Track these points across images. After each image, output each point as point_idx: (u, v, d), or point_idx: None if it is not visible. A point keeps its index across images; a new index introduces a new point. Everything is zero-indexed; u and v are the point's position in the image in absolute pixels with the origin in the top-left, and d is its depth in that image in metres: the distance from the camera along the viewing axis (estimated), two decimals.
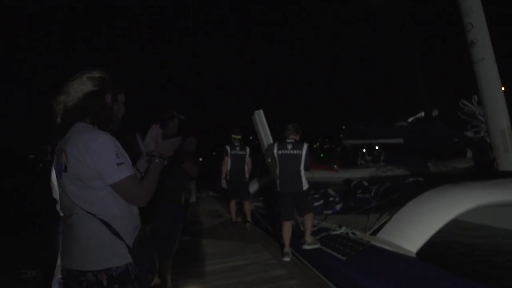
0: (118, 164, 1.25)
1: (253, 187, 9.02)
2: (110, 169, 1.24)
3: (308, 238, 4.06)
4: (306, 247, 3.99)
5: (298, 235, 4.52)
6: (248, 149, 5.73)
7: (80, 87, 1.34)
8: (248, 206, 5.79)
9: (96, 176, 1.24)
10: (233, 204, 5.94)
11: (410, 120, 11.53)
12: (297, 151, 4.04)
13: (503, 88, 7.11)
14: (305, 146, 4.09)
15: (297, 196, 4.06)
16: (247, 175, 5.76)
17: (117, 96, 1.42)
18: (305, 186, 4.06)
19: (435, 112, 10.93)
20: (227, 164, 5.61)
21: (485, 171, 7.58)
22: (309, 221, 4.10)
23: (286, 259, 3.82)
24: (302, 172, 4.04)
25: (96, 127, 1.33)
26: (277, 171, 4.17)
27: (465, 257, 4.69)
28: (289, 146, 4.08)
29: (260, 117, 4.73)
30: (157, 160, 1.46)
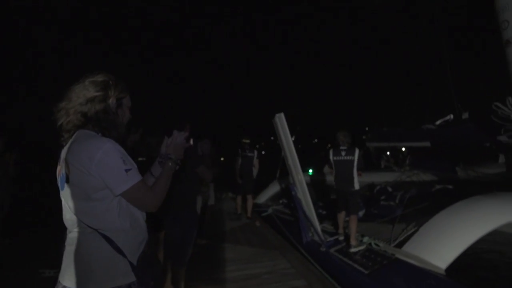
0: (126, 170, 1.18)
1: (273, 189, 8.91)
2: (118, 177, 1.17)
3: (353, 241, 4.22)
4: (353, 250, 4.10)
5: (317, 244, 4.37)
6: (256, 152, 6.66)
7: (83, 92, 1.26)
8: (250, 201, 6.65)
9: (101, 186, 1.17)
10: (239, 199, 6.81)
11: (438, 122, 11.01)
12: (350, 157, 4.56)
13: None
14: (357, 152, 4.58)
15: (349, 195, 4.55)
16: (254, 174, 6.65)
17: (122, 101, 1.35)
18: (356, 186, 4.53)
19: (465, 115, 10.37)
20: (238, 164, 6.53)
21: None
22: (353, 223, 4.34)
23: (354, 250, 4.01)
24: (355, 174, 4.52)
25: (99, 134, 1.26)
26: (333, 173, 4.72)
27: (503, 275, 4.36)
28: (343, 153, 4.62)
29: (281, 120, 4.62)
30: (170, 164, 1.41)
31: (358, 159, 4.53)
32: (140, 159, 3.14)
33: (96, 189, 1.17)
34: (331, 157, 4.71)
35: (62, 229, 1.31)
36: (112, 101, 1.31)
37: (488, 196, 3.71)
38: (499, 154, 10.48)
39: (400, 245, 3.68)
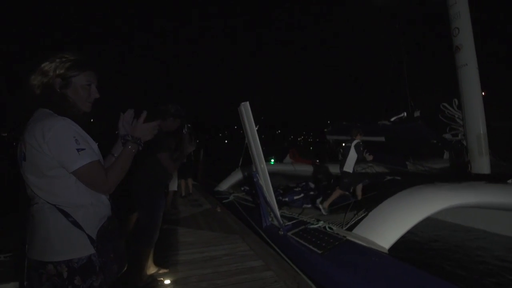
0: (78, 150, 1.20)
1: (235, 177, 9.05)
2: (69, 156, 1.19)
3: (326, 204, 5.50)
4: (319, 206, 5.49)
5: (276, 228, 4.59)
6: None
7: (37, 72, 1.30)
8: (190, 183, 7.69)
9: (55, 165, 1.20)
10: (183, 182, 7.51)
11: (392, 119, 11.75)
12: (348, 144, 5.87)
13: (483, 93, 7.34)
14: (354, 142, 5.74)
15: (342, 174, 5.82)
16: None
17: (70, 79, 1.32)
18: (347, 169, 5.71)
19: (416, 113, 11.17)
20: None
21: (459, 173, 7.86)
22: (335, 194, 5.66)
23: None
24: (347, 159, 5.72)
25: (56, 113, 1.27)
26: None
27: (436, 255, 4.89)
28: (348, 143, 5.94)
29: (246, 108, 4.71)
30: (129, 146, 1.40)
31: (356, 149, 5.67)
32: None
33: (50, 167, 1.20)
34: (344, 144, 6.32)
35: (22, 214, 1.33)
36: (56, 80, 1.30)
37: (427, 186, 4.12)
38: (444, 150, 11.37)
39: (351, 228, 3.99)
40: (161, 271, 3.10)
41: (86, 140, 1.29)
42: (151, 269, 3.15)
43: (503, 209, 4.82)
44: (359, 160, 5.76)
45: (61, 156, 1.19)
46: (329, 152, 13.58)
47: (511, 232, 5.28)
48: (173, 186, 6.09)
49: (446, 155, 11.01)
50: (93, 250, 1.25)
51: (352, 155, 5.69)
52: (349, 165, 5.68)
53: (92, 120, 1.47)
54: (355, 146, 5.67)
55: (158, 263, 3.16)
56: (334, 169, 10.14)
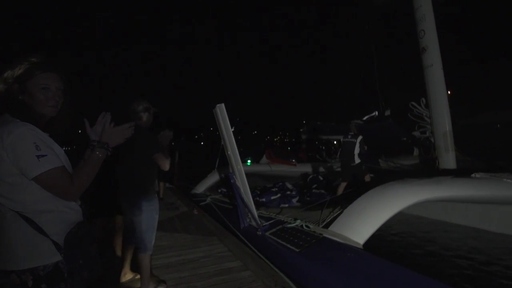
0: (38, 156, 1.17)
1: (212, 179, 8.98)
2: (29, 162, 1.16)
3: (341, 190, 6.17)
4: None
5: (254, 228, 4.60)
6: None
7: (1, 81, 1.26)
8: (162, 187, 7.74)
9: (15, 171, 1.16)
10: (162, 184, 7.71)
11: (364, 118, 12.11)
12: (353, 140, 6.34)
13: (448, 92, 7.71)
14: (359, 138, 6.30)
15: (349, 168, 6.35)
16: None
17: (25, 84, 1.27)
18: (357, 161, 6.28)
19: (387, 112, 11.57)
20: None
21: (428, 168, 8.22)
22: (341, 187, 6.21)
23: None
24: (355, 153, 6.26)
25: (18, 119, 1.23)
26: (340, 151, 6.63)
27: (409, 249, 5.08)
28: (349, 136, 6.46)
29: (221, 110, 4.70)
30: (97, 152, 1.34)
31: (360, 144, 6.24)
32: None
33: (11, 174, 1.16)
34: (341, 139, 6.69)
35: None
36: (14, 86, 1.26)
37: (398, 182, 4.28)
38: (414, 147, 11.84)
39: (327, 226, 4.06)
40: (138, 276, 3.03)
41: (50, 146, 1.24)
42: (128, 276, 3.07)
43: (469, 201, 5.08)
44: (361, 154, 6.34)
45: (19, 163, 1.15)
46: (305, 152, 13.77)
47: (474, 223, 5.58)
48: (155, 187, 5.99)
49: (415, 151, 11.46)
50: (59, 257, 1.21)
51: (357, 150, 6.25)
52: (356, 159, 6.26)
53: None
54: (361, 142, 6.27)
55: (134, 269, 3.08)
56: (309, 168, 10.32)
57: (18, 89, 1.26)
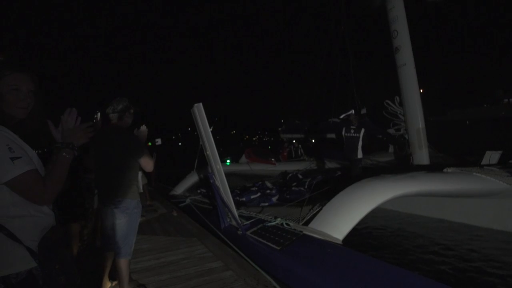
0: (12, 158, 1.11)
1: (191, 180, 8.87)
2: (2, 165, 1.10)
3: None
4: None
5: (234, 228, 4.58)
6: None
7: None
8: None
9: None
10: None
11: (341, 116, 12.33)
12: (357, 134, 6.47)
13: (421, 90, 7.97)
14: (362, 131, 6.48)
15: (353, 161, 6.59)
16: None
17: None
18: (359, 155, 6.46)
19: (363, 110, 11.83)
20: None
21: (402, 164, 8.47)
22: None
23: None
24: (359, 147, 6.42)
25: None
26: (345, 145, 6.65)
27: (387, 243, 5.23)
28: (352, 131, 6.53)
29: (199, 110, 4.65)
30: (64, 153, 1.29)
31: (362, 137, 6.40)
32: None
33: None
34: (343, 132, 6.66)
35: None
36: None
37: (375, 178, 4.39)
38: (389, 144, 12.17)
39: (307, 223, 4.11)
40: (115, 283, 2.93)
41: (23, 147, 1.19)
42: (107, 285, 2.94)
43: (442, 195, 5.28)
44: (362, 147, 6.60)
45: None
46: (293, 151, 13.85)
47: (447, 216, 5.82)
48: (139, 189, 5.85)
49: (390, 148, 11.78)
50: (34, 263, 1.16)
51: (361, 143, 6.48)
52: (360, 153, 6.50)
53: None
54: (363, 135, 6.48)
55: (111, 276, 2.96)
56: (288, 167, 10.40)
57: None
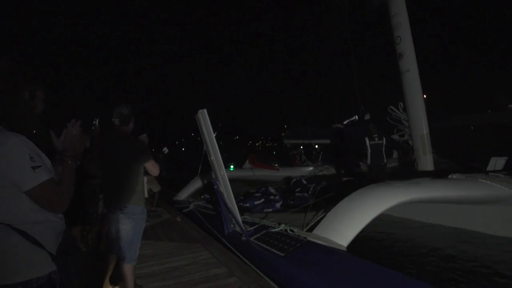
0: (34, 168, 1.13)
1: (195, 185, 8.88)
2: (24, 174, 1.12)
3: None
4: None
5: (238, 234, 4.57)
6: None
7: None
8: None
9: (7, 183, 1.12)
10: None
11: (345, 122, 12.32)
12: (381, 141, 6.98)
13: (424, 96, 7.95)
14: (384, 139, 7.00)
15: (381, 167, 6.98)
16: None
17: (35, 93, 1.30)
18: (385, 160, 6.97)
19: (367, 116, 11.81)
20: None
21: (407, 170, 8.43)
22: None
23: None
24: (383, 153, 6.93)
25: (6, 128, 1.19)
26: (369, 153, 6.97)
27: (391, 250, 5.18)
28: (376, 139, 6.99)
29: (204, 116, 4.67)
30: (69, 161, 1.35)
31: (386, 143, 6.95)
32: None
33: (3, 186, 1.12)
34: (367, 142, 7.00)
35: None
36: (25, 93, 1.25)
37: (379, 184, 4.37)
38: (393, 150, 12.13)
39: (311, 229, 4.09)
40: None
41: (40, 155, 1.21)
42: None
43: (447, 202, 5.23)
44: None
45: (14, 175, 1.11)
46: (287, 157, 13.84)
47: (452, 223, 5.76)
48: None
49: (395, 154, 11.73)
50: (53, 267, 1.19)
51: (384, 149, 6.93)
52: (385, 158, 6.97)
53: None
54: (386, 141, 6.97)
55: (113, 281, 2.96)
56: (292, 173, 10.38)
57: (29, 96, 1.27)
